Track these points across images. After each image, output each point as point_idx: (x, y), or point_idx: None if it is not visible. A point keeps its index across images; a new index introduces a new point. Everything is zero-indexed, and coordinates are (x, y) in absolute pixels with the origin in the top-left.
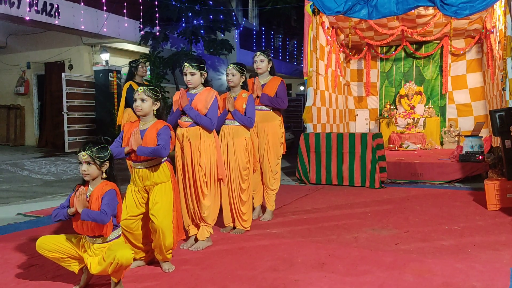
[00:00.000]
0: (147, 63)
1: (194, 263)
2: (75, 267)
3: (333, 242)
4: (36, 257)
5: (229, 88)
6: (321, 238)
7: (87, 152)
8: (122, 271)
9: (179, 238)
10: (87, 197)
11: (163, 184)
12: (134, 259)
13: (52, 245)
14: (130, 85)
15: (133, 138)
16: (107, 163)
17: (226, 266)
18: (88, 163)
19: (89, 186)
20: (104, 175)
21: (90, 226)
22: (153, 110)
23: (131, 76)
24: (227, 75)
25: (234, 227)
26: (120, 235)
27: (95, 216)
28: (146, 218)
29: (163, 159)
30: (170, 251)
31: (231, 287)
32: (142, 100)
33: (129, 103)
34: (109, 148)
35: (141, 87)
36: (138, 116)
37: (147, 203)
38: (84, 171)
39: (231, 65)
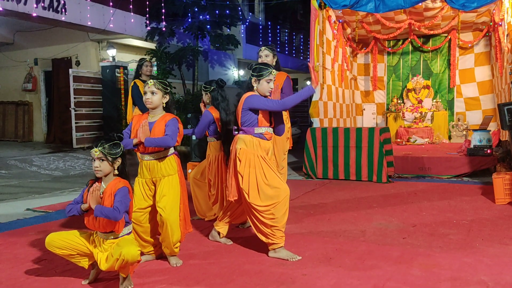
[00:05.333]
0: (153, 59)
1: (202, 257)
2: (85, 263)
3: (340, 237)
4: (45, 251)
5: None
6: (328, 233)
7: (99, 148)
8: (129, 267)
9: (186, 231)
10: (100, 193)
11: (170, 177)
12: (143, 254)
13: (61, 242)
14: (135, 83)
15: (142, 130)
16: (119, 160)
17: (234, 260)
18: (100, 159)
19: (102, 182)
20: (116, 172)
21: (102, 223)
22: (163, 103)
23: (137, 75)
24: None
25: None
26: (131, 232)
27: (108, 213)
28: (154, 211)
29: (170, 152)
30: (178, 244)
31: (239, 281)
32: (152, 93)
33: (135, 101)
34: (121, 144)
35: (151, 80)
36: (143, 112)
37: (154, 196)
38: (96, 167)
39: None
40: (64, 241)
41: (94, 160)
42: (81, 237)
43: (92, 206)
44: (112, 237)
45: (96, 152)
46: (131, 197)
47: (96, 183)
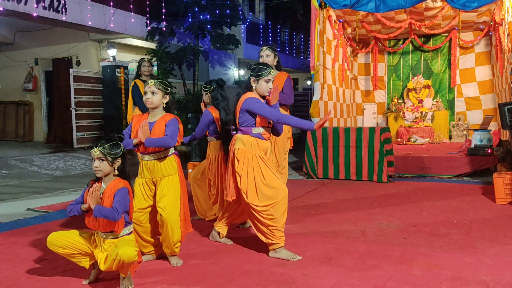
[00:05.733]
0: (154, 59)
1: (202, 257)
2: (86, 262)
3: (341, 237)
4: (46, 251)
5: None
6: (329, 233)
7: (99, 148)
8: (127, 267)
9: (186, 231)
10: (100, 194)
11: (171, 177)
12: (143, 254)
13: (63, 241)
14: (135, 83)
15: (142, 130)
16: (119, 160)
17: (234, 260)
18: (100, 159)
19: (102, 183)
20: (116, 172)
21: (102, 223)
22: (163, 103)
23: (137, 75)
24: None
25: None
26: (131, 232)
27: (107, 213)
28: (154, 211)
29: (170, 152)
30: (178, 244)
31: (239, 281)
32: (153, 93)
33: (135, 101)
34: (121, 145)
35: (151, 80)
36: (143, 112)
37: (154, 196)
38: (96, 167)
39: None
40: (66, 240)
41: (94, 160)
42: (82, 237)
43: (92, 207)
44: (112, 237)
45: (96, 152)
46: (131, 197)
47: (96, 183)
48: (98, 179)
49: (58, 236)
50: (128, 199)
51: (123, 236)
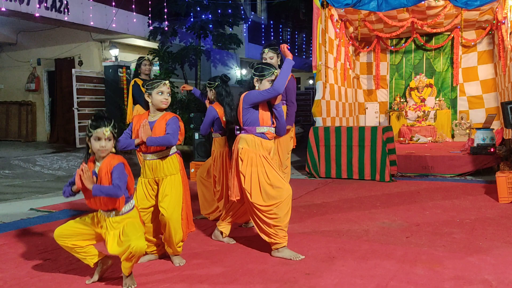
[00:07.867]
0: (156, 59)
1: (205, 257)
2: (90, 260)
3: (343, 236)
4: (49, 251)
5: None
6: (331, 232)
7: (109, 128)
8: (136, 260)
9: (189, 231)
10: (95, 173)
11: (173, 176)
12: (146, 253)
13: (69, 231)
14: (135, 81)
15: (143, 130)
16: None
17: (237, 259)
18: (108, 139)
19: (96, 162)
20: (113, 150)
21: (103, 201)
22: None
23: (136, 73)
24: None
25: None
26: (133, 207)
27: (108, 191)
28: (157, 211)
29: (171, 151)
30: (181, 244)
31: (242, 281)
32: (168, 93)
33: (136, 100)
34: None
35: (167, 81)
36: (146, 109)
37: (157, 195)
38: (103, 147)
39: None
40: (72, 229)
41: (101, 140)
42: (84, 222)
43: (89, 187)
44: (115, 214)
45: (106, 131)
46: (128, 172)
47: (85, 164)
48: (87, 160)
49: (63, 228)
50: (125, 174)
51: (126, 212)
